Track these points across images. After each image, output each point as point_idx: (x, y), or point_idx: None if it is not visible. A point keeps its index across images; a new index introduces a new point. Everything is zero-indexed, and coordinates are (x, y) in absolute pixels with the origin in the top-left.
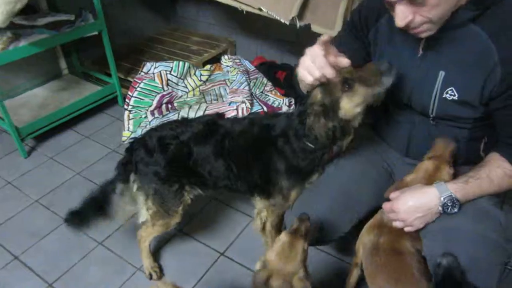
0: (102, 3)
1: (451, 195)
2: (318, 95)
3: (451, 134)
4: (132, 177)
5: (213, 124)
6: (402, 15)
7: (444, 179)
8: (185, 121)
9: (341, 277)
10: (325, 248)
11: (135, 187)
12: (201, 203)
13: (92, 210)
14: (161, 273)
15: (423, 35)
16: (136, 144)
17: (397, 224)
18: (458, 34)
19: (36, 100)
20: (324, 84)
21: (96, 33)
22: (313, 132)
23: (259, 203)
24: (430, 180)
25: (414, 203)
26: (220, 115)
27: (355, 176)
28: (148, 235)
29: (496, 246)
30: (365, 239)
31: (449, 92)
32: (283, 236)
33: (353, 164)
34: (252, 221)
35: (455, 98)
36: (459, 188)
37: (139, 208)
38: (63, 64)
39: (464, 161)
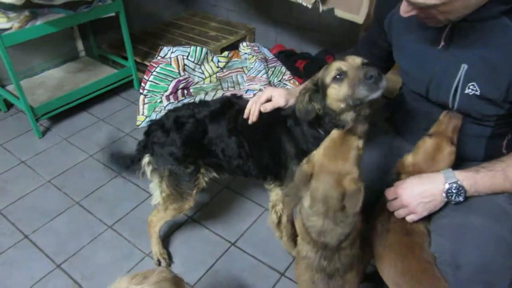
0: None
1: (457, 181)
2: (320, 72)
3: (472, 129)
4: (146, 159)
5: (228, 102)
6: (406, 9)
7: (444, 161)
8: (202, 102)
9: None
10: None
11: (149, 169)
12: (213, 192)
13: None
14: (170, 260)
15: (431, 25)
16: (154, 125)
17: (400, 212)
18: (487, 26)
19: (52, 81)
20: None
21: (113, 14)
22: (299, 112)
23: (273, 195)
24: (429, 162)
25: (418, 188)
26: (237, 96)
27: (369, 169)
28: (158, 220)
29: (511, 248)
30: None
31: (471, 87)
32: (334, 132)
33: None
34: (267, 210)
35: (477, 93)
36: (467, 177)
37: (152, 190)
38: (80, 46)
39: (483, 159)
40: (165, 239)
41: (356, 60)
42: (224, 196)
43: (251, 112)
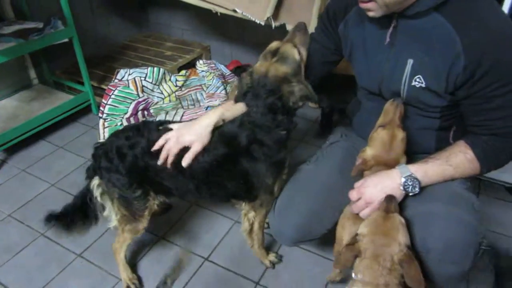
0: (72, 11)
1: (411, 174)
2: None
3: (421, 123)
4: (95, 181)
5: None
6: None
7: (400, 146)
8: (142, 127)
9: (324, 274)
10: (307, 246)
11: (99, 191)
12: (183, 209)
13: (73, 214)
14: (140, 285)
15: (370, 14)
16: (100, 149)
17: (365, 212)
18: (423, 23)
19: (5, 112)
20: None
21: (66, 40)
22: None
23: (245, 205)
24: (387, 150)
25: (379, 185)
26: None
27: (333, 172)
28: (121, 245)
29: (471, 228)
30: (348, 224)
31: (417, 79)
32: (376, 213)
33: (331, 160)
34: (238, 223)
35: (423, 85)
36: (418, 168)
37: (107, 213)
38: (32, 73)
39: (435, 150)
40: (137, 261)
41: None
42: (193, 213)
43: (168, 155)
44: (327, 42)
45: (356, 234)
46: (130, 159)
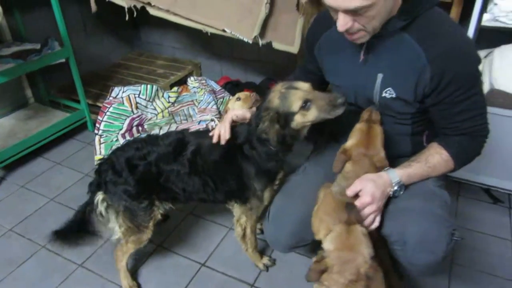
0: (67, 31)
1: (399, 182)
2: (275, 101)
3: (396, 129)
4: (98, 196)
5: (180, 143)
6: (344, 21)
7: (378, 136)
8: (150, 139)
9: None
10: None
11: (103, 206)
12: (178, 219)
13: (75, 229)
14: None
15: (359, 41)
16: (104, 165)
17: (376, 219)
18: (392, 42)
19: (3, 130)
20: (282, 93)
21: (63, 60)
22: (265, 135)
23: (237, 210)
24: (367, 139)
25: (379, 191)
26: (185, 133)
27: (320, 179)
28: (123, 254)
29: (443, 220)
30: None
31: (388, 91)
32: (338, 227)
33: (317, 168)
34: (232, 230)
35: (394, 96)
36: (405, 174)
37: (111, 226)
38: (28, 93)
39: (412, 153)
40: (137, 269)
41: (306, 86)
42: (189, 222)
43: (222, 133)
44: (314, 68)
45: (323, 250)
46: (142, 169)
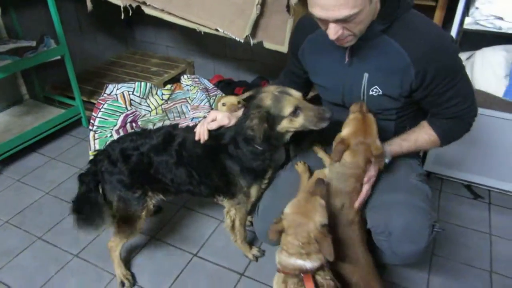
0: (62, 29)
1: (389, 159)
2: (267, 101)
3: (380, 125)
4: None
5: (169, 135)
6: (334, 30)
7: (373, 123)
8: (144, 132)
9: None
10: None
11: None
12: (172, 211)
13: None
14: (133, 280)
15: (346, 44)
16: (100, 155)
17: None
18: (375, 43)
19: None
20: (275, 95)
21: (59, 57)
22: (251, 132)
23: (226, 203)
24: (362, 126)
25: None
26: (175, 127)
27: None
28: (117, 244)
29: (425, 213)
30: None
31: (374, 90)
32: (301, 195)
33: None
34: (222, 222)
35: (380, 93)
36: (394, 153)
37: (105, 215)
38: (23, 90)
39: None
40: (131, 259)
41: (299, 94)
42: (182, 214)
43: (201, 133)
44: (298, 70)
45: (282, 213)
46: (135, 159)
